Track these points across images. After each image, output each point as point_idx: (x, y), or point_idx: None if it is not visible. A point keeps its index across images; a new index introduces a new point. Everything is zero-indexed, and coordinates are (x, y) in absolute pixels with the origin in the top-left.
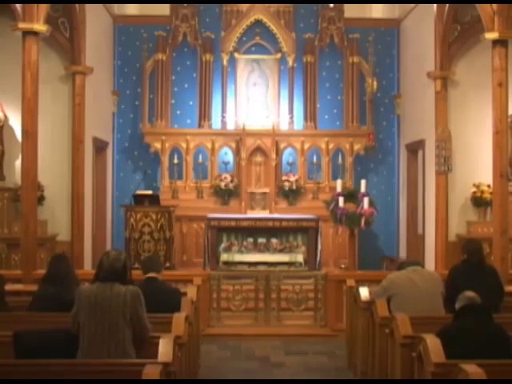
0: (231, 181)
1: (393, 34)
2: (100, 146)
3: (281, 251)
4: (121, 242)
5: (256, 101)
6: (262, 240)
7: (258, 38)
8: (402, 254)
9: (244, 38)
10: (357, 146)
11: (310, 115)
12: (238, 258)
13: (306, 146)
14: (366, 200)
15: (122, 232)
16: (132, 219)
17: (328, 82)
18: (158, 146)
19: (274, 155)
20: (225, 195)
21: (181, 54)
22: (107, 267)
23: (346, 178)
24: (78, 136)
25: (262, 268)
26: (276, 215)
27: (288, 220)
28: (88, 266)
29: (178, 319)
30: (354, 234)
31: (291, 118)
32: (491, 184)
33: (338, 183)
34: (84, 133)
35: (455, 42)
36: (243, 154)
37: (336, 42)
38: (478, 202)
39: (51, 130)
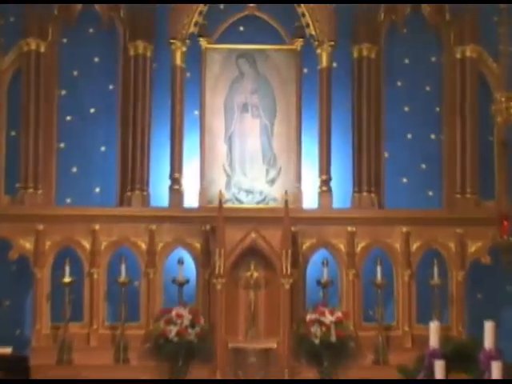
0: (192, 324)
1: None
2: None
3: None
4: None
5: (247, 144)
6: None
7: (252, 5)
8: None
9: (221, 6)
10: (474, 246)
11: (368, 177)
12: None
13: (361, 244)
14: (495, 366)
15: None
16: None
17: (408, 100)
18: (27, 245)
19: (287, 266)
20: (178, 357)
21: (81, 40)
22: None
23: (449, 318)
24: None
25: None
26: None
27: None
28: None
29: None
30: None
31: (325, 181)
32: None
33: (433, 329)
34: None
35: None
36: (219, 264)
37: (426, 16)
38: None
39: None
